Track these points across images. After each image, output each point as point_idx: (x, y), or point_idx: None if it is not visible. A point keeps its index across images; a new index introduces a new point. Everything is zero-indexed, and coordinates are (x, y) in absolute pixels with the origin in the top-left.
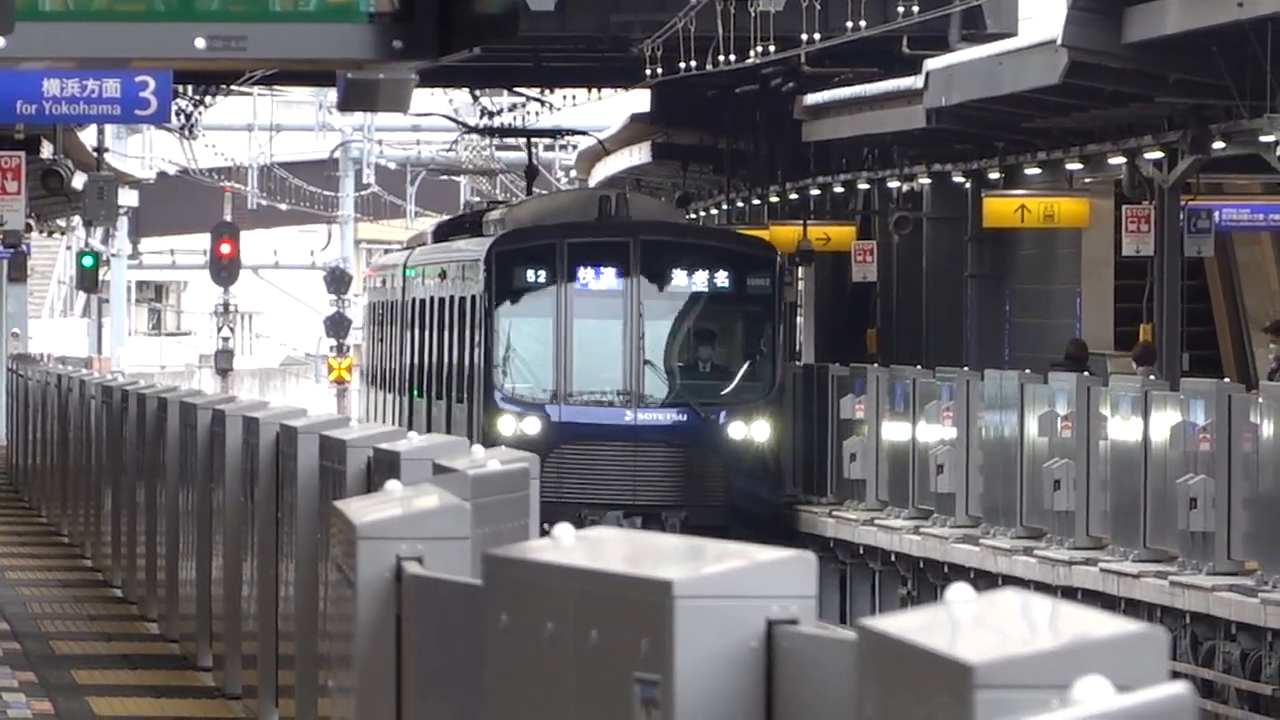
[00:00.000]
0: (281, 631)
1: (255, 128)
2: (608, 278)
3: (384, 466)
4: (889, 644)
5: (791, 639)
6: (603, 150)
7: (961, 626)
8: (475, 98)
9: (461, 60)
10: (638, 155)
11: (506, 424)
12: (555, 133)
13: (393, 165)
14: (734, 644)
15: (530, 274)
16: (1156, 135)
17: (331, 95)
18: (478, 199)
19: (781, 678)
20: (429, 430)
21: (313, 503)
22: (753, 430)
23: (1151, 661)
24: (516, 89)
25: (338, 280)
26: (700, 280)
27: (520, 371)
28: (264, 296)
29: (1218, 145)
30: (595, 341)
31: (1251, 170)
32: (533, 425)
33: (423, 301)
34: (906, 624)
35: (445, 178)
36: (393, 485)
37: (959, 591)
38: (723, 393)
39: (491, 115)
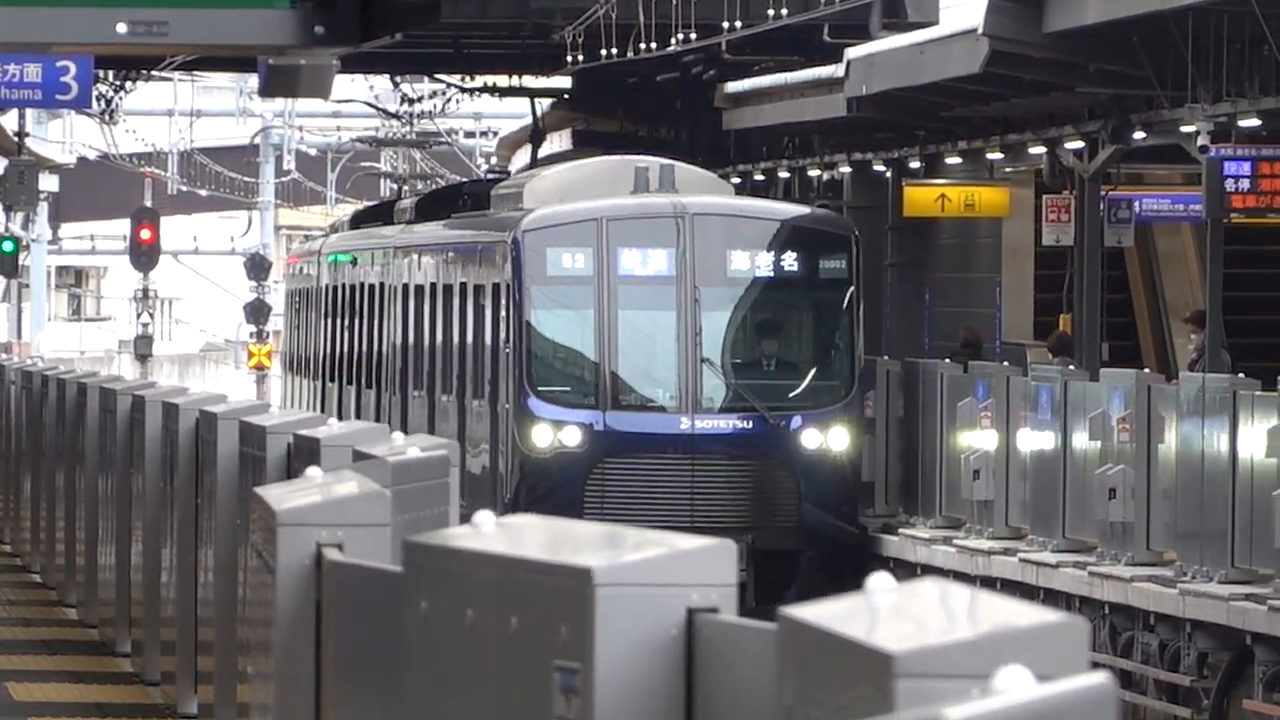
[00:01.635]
0: (201, 617)
1: (176, 113)
2: (657, 262)
3: (304, 453)
4: (809, 633)
5: (712, 627)
6: (527, 136)
7: (882, 616)
8: (396, 84)
9: (383, 46)
10: (558, 142)
11: (542, 434)
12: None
13: (313, 151)
14: (654, 632)
15: (567, 258)
16: (1077, 125)
17: (253, 81)
18: (396, 184)
19: (702, 666)
20: (433, 430)
21: (232, 489)
22: (829, 438)
23: (1072, 651)
24: (437, 76)
25: (258, 266)
26: (765, 263)
27: (557, 373)
28: (184, 282)
29: (1138, 135)
30: (644, 337)
31: (1172, 160)
32: (572, 435)
33: (395, 289)
34: (827, 613)
35: (368, 165)
36: (313, 472)
37: (879, 580)
38: (793, 395)
39: (412, 102)
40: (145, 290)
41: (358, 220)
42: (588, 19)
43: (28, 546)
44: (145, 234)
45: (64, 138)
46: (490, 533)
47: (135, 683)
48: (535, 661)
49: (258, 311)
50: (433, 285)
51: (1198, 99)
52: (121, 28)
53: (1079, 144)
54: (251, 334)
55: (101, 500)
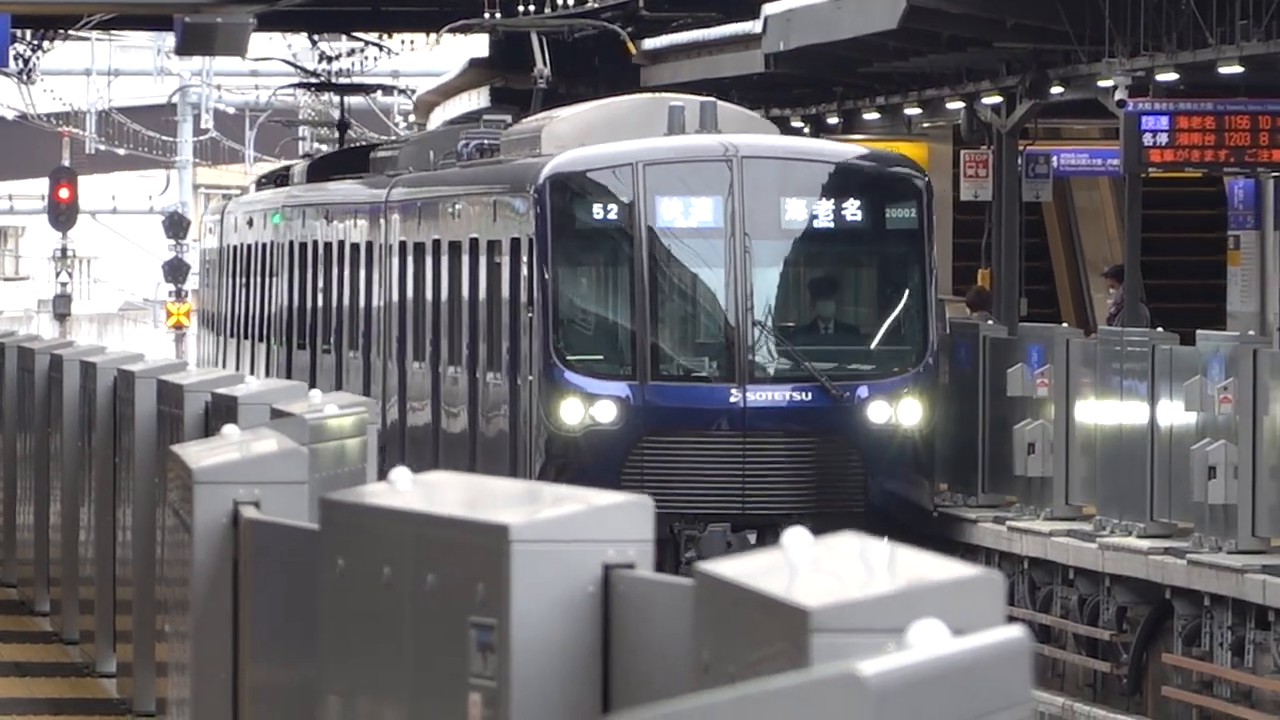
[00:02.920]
0: (119, 576)
1: (94, 72)
2: (701, 211)
3: (222, 411)
4: (726, 589)
5: (628, 583)
6: (445, 94)
7: (799, 571)
8: (314, 43)
9: (299, 4)
10: (476, 100)
11: (572, 409)
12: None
13: (231, 110)
14: (571, 588)
15: (599, 209)
16: (995, 80)
17: (170, 40)
18: (318, 144)
19: (618, 622)
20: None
21: (150, 448)
22: (900, 412)
23: (988, 605)
24: (355, 34)
25: (176, 225)
26: (824, 213)
27: (588, 340)
28: (102, 241)
29: (1056, 90)
30: (688, 298)
31: (1090, 115)
32: (607, 411)
33: (384, 247)
34: (743, 569)
35: (284, 124)
36: (230, 430)
37: (795, 536)
38: (859, 363)
39: (330, 60)
40: (64, 250)
41: (319, 171)
42: None
43: None
44: (64, 193)
45: None
46: (407, 490)
47: (54, 641)
48: (452, 619)
49: (176, 270)
50: (435, 242)
51: (1115, 53)
52: None
53: (997, 99)
54: (170, 293)
55: (19, 460)
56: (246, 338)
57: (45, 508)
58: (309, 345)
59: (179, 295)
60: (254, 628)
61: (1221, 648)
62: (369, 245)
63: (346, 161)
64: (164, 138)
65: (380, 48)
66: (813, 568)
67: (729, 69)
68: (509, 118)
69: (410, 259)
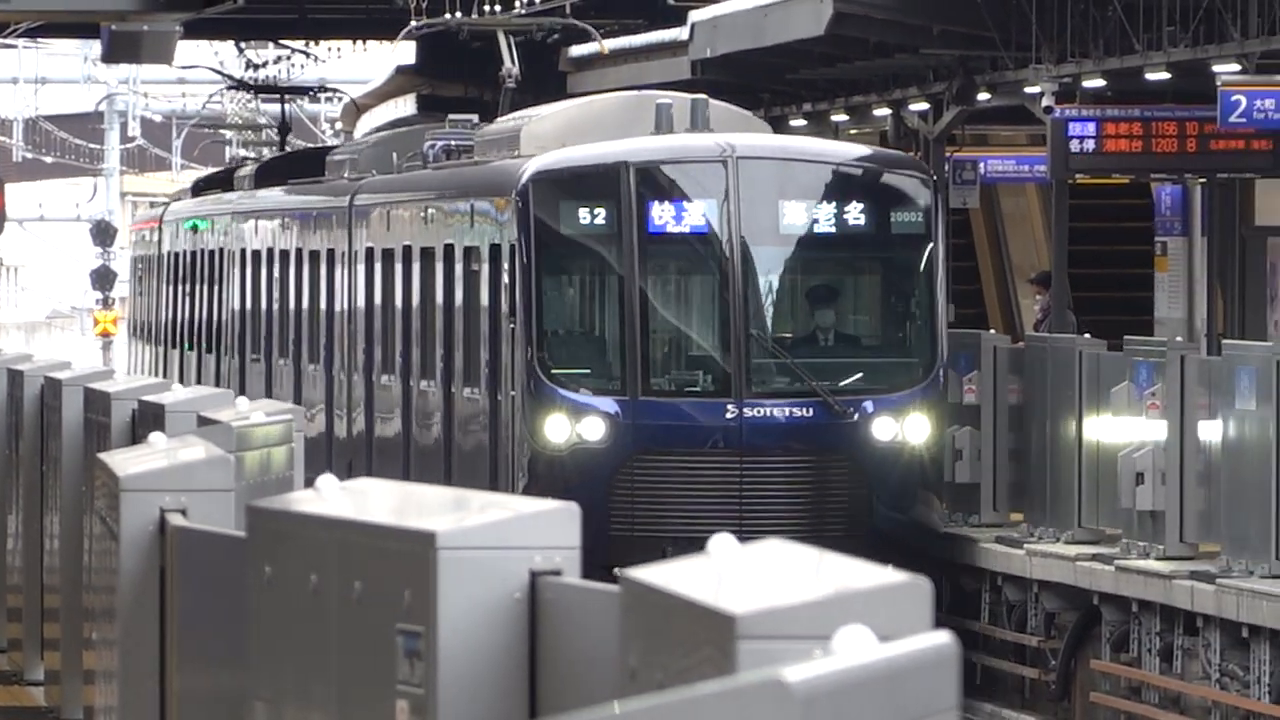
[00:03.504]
0: (46, 584)
1: (20, 80)
2: (695, 215)
3: (149, 419)
4: (653, 595)
5: (555, 590)
6: (373, 101)
7: (725, 578)
8: (240, 50)
9: (226, 12)
10: (402, 107)
11: (557, 426)
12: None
13: (158, 118)
14: (498, 595)
15: (585, 212)
16: (921, 87)
17: (97, 47)
18: (245, 151)
19: (545, 629)
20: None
21: (78, 455)
22: (906, 428)
23: (915, 611)
24: (282, 41)
25: (104, 233)
26: (825, 216)
27: (574, 352)
28: (29, 250)
29: (983, 96)
30: (681, 307)
31: (1016, 122)
32: (595, 427)
33: (348, 255)
34: (670, 575)
35: (212, 131)
36: (156, 437)
37: (722, 542)
38: (863, 376)
39: (257, 67)
40: None
41: (268, 175)
42: None
43: None
44: None
45: None
46: (333, 497)
47: None
48: (379, 626)
49: (103, 278)
50: (405, 249)
51: (1042, 60)
52: None
53: (924, 106)
54: (97, 301)
55: None
56: (191, 348)
57: None
58: (264, 357)
59: (106, 303)
60: (181, 635)
61: (1150, 654)
62: (330, 253)
63: (299, 165)
64: (91, 145)
65: (307, 55)
66: (739, 574)
67: (655, 76)
68: (475, 117)
69: (378, 267)
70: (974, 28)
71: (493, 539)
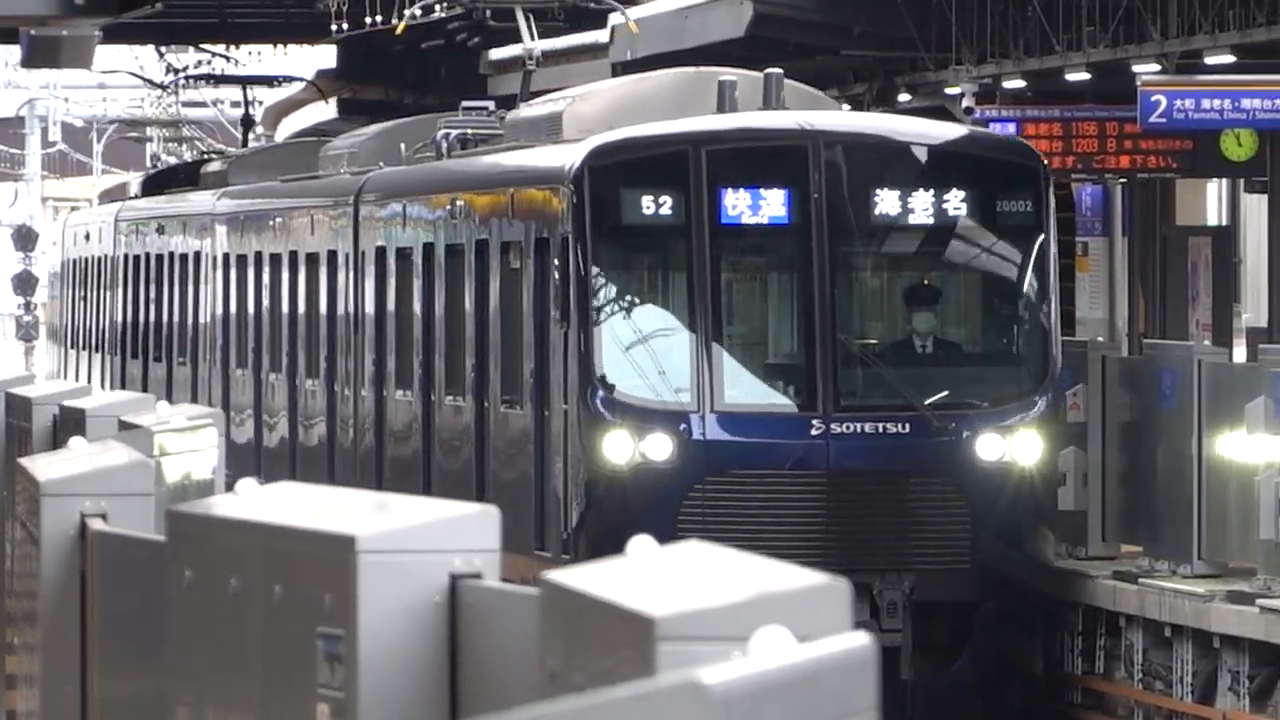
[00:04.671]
0: None
1: None
2: (774, 205)
3: (70, 423)
4: (572, 598)
5: (475, 593)
6: (292, 105)
7: (644, 580)
8: (161, 54)
9: (145, 17)
10: (323, 111)
11: (618, 445)
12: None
13: (79, 123)
14: (418, 598)
15: (649, 201)
16: (842, 88)
17: (16, 52)
18: (170, 157)
19: (465, 631)
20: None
21: (0, 458)
22: (1014, 448)
23: (834, 613)
24: (202, 45)
25: (25, 238)
26: (922, 207)
27: (637, 361)
28: None
29: (904, 97)
30: (759, 310)
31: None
32: (661, 446)
33: (343, 253)
34: (589, 577)
35: (134, 135)
36: (77, 442)
37: (641, 544)
38: (966, 389)
39: (177, 72)
40: None
41: (249, 169)
42: None
43: None
44: None
45: None
46: (254, 501)
47: None
48: (299, 629)
49: (25, 283)
50: (427, 247)
51: (962, 60)
52: None
53: (845, 107)
54: (19, 305)
55: None
56: (160, 358)
57: None
58: (252, 369)
59: (28, 308)
60: (102, 640)
61: (1072, 654)
62: (332, 254)
63: (290, 158)
64: (12, 150)
65: (227, 59)
66: (659, 576)
67: (577, 78)
68: (492, 104)
69: (392, 268)
70: (894, 29)
71: (413, 542)
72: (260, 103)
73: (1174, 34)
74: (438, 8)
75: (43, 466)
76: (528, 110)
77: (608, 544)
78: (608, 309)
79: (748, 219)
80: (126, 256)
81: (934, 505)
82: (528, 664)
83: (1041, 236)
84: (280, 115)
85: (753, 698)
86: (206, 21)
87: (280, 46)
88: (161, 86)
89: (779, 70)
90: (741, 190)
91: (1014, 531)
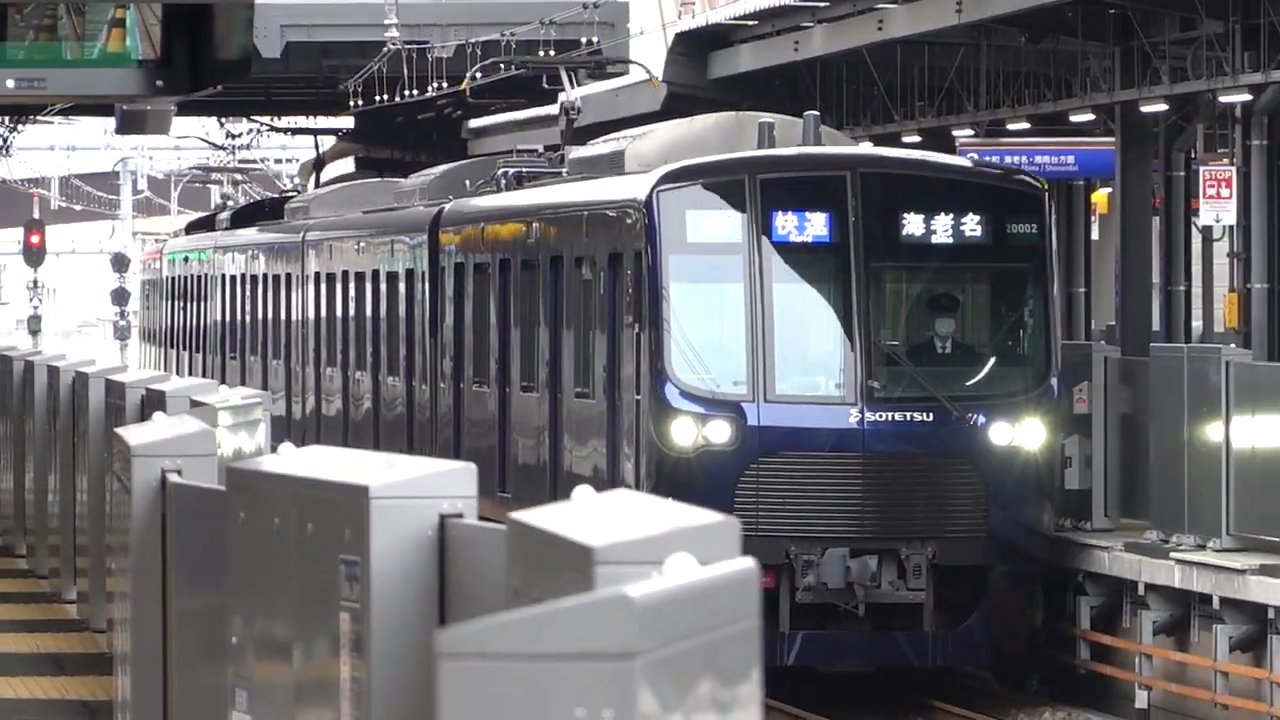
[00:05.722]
0: (78, 528)
1: (55, 147)
2: (817, 226)
3: (153, 402)
4: (531, 532)
5: (458, 529)
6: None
7: (586, 520)
8: (221, 124)
9: (208, 95)
10: (344, 166)
11: (683, 428)
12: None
13: (160, 175)
14: (415, 533)
15: (711, 223)
16: None
17: (112, 122)
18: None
19: (451, 558)
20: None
21: (100, 430)
22: (1020, 434)
23: (727, 543)
24: (253, 116)
25: (120, 262)
26: (943, 228)
27: (700, 358)
28: (64, 275)
29: None
30: (804, 315)
31: None
32: (721, 431)
33: (419, 272)
34: (544, 516)
35: (201, 183)
36: (159, 416)
37: (583, 492)
38: (980, 383)
39: (234, 136)
40: (35, 281)
41: (332, 204)
42: (365, 73)
43: None
44: (35, 239)
45: None
46: (292, 460)
47: (30, 577)
48: (326, 557)
49: (120, 296)
50: (503, 261)
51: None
52: (10, 83)
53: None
54: (116, 313)
55: (2, 441)
56: (233, 354)
57: (22, 476)
58: (340, 367)
59: (122, 315)
60: (178, 565)
61: (1079, 614)
62: (409, 271)
63: (361, 194)
64: (109, 196)
65: (273, 127)
66: (596, 518)
67: (533, 142)
68: (540, 147)
69: (470, 280)
70: (773, 105)
71: (412, 490)
72: (296, 160)
73: (984, 106)
74: (430, 89)
75: (133, 434)
76: (589, 150)
77: None
78: (675, 313)
79: (795, 237)
80: (223, 276)
81: (954, 482)
82: (498, 582)
83: (1044, 253)
84: (312, 169)
85: (665, 606)
86: (255, 99)
87: (310, 117)
88: (221, 147)
89: (816, 113)
90: (790, 213)
91: (1021, 505)
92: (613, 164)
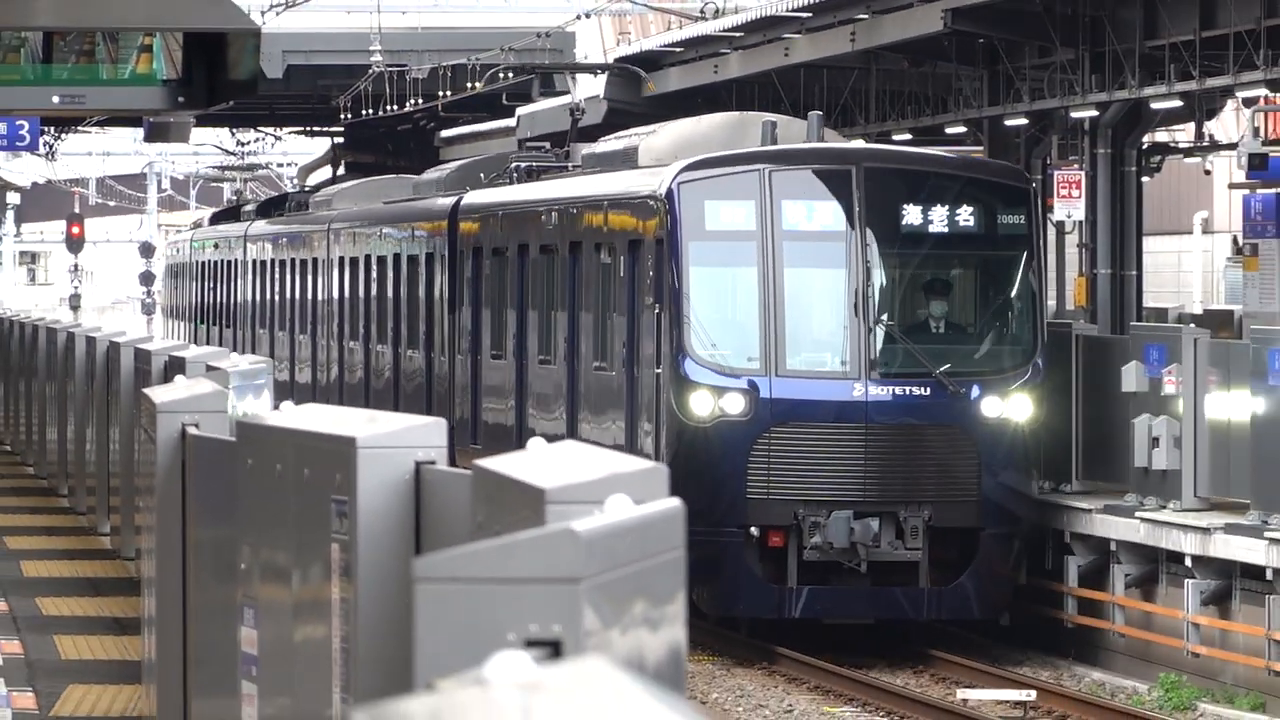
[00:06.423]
0: (112, 472)
1: (92, 153)
2: (824, 216)
3: (175, 366)
4: (492, 476)
5: (431, 474)
6: (317, 164)
7: (538, 466)
8: (233, 133)
9: (222, 109)
10: (336, 169)
11: (701, 400)
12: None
13: (181, 176)
14: (395, 478)
15: (727, 212)
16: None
17: (140, 132)
18: (238, 196)
19: (425, 499)
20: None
21: (131, 390)
22: (1009, 407)
23: (658, 486)
24: (259, 128)
25: (147, 250)
26: (939, 218)
27: (717, 336)
28: (100, 260)
29: None
30: (812, 297)
31: None
32: (735, 402)
33: (439, 256)
34: (503, 463)
35: (215, 182)
36: (180, 379)
37: (536, 442)
38: (972, 360)
39: (242, 144)
40: (75, 266)
41: (353, 197)
42: (353, 91)
43: (0, 426)
44: (75, 230)
45: (22, 169)
46: (291, 415)
47: (70, 513)
48: (320, 497)
49: (147, 279)
50: (521, 246)
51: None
52: (55, 99)
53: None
54: (144, 292)
55: (47, 399)
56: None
57: (64, 428)
58: (362, 341)
59: (148, 293)
60: (196, 505)
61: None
62: (429, 255)
63: (381, 188)
64: (137, 194)
65: (276, 136)
66: (547, 464)
67: (496, 150)
68: (548, 144)
69: (487, 264)
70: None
71: (392, 441)
72: (295, 163)
73: (873, 120)
74: (409, 104)
75: (158, 394)
76: (603, 146)
77: (692, 481)
78: (694, 295)
79: (804, 226)
80: (254, 261)
81: (949, 451)
82: (464, 519)
83: (1031, 242)
84: (308, 172)
85: (606, 539)
86: (261, 112)
87: (308, 128)
88: (231, 152)
89: (819, 112)
90: (799, 203)
91: (1009, 471)
92: (626, 159)
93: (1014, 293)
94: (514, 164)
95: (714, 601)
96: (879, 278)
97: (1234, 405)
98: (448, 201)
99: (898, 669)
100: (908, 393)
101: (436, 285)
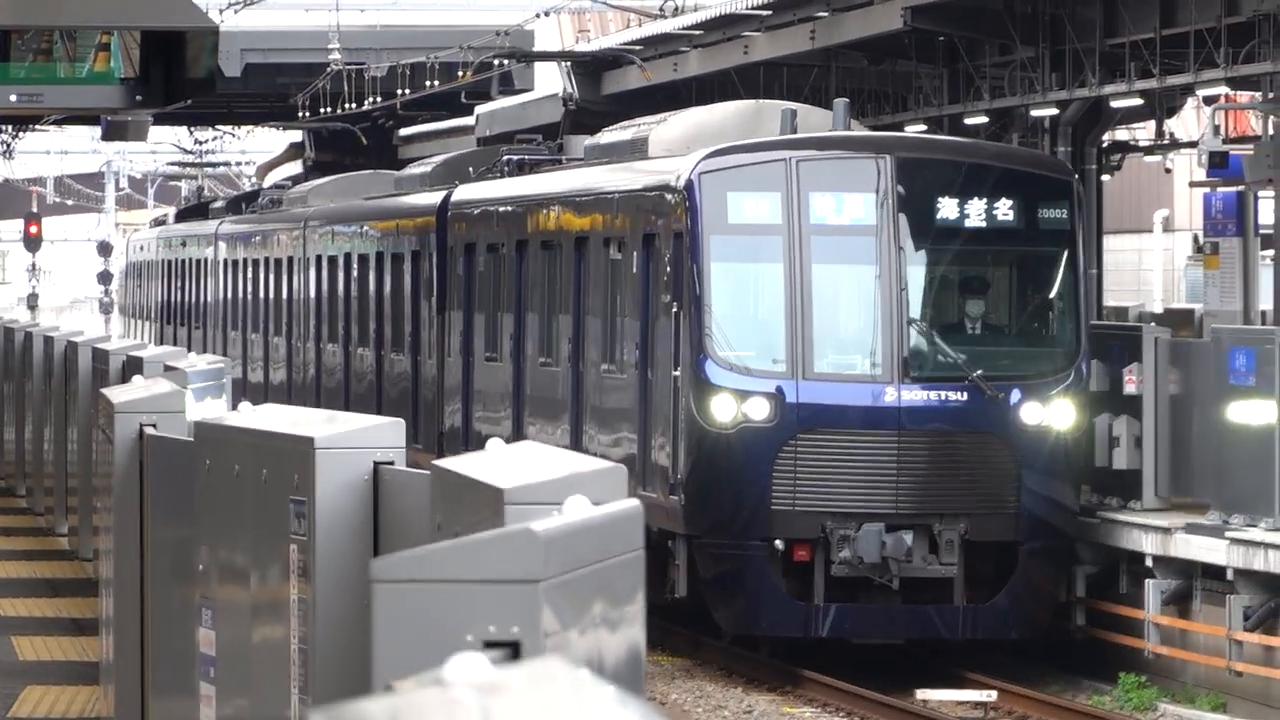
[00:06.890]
0: (70, 472)
1: (50, 151)
2: (854, 209)
3: (133, 366)
4: (451, 476)
5: (389, 474)
6: (273, 164)
7: (497, 467)
8: (190, 131)
9: (179, 108)
10: (296, 168)
11: (724, 405)
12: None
13: (139, 174)
14: (354, 478)
15: (751, 204)
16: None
17: (98, 130)
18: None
19: (384, 499)
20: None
21: (89, 390)
22: (1050, 414)
23: (617, 487)
24: (217, 126)
25: (104, 249)
26: (976, 211)
27: (740, 337)
28: (57, 259)
29: None
30: (841, 295)
31: None
32: (760, 407)
33: (426, 253)
34: (462, 463)
35: (173, 181)
36: (138, 379)
37: (495, 443)
38: (1012, 364)
39: (200, 142)
40: (33, 265)
41: (334, 192)
42: (312, 89)
43: None
44: (33, 229)
45: None
46: (249, 416)
47: (28, 513)
48: (278, 498)
49: (105, 277)
50: (519, 242)
51: None
52: (12, 97)
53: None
54: (102, 291)
55: (5, 398)
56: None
57: (22, 428)
58: (342, 344)
59: (106, 293)
60: (154, 504)
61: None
62: (415, 253)
63: (357, 185)
64: (95, 193)
65: (233, 135)
66: (506, 465)
67: (455, 149)
68: (540, 137)
69: (481, 260)
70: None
71: (350, 441)
72: (254, 162)
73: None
74: (367, 103)
75: (116, 394)
76: (609, 136)
77: (714, 488)
78: (716, 292)
79: (832, 220)
80: (224, 260)
81: (986, 460)
82: (423, 520)
83: (1073, 238)
84: (268, 169)
85: (564, 539)
86: (219, 111)
87: (265, 126)
88: (189, 151)
89: (846, 100)
90: (828, 195)
91: (1051, 482)
92: (635, 149)
93: (1055, 291)
94: (505, 157)
95: (735, 619)
96: (912, 275)
97: (1196, 404)
98: (436, 197)
99: (863, 670)
100: (943, 398)
101: (424, 284)
